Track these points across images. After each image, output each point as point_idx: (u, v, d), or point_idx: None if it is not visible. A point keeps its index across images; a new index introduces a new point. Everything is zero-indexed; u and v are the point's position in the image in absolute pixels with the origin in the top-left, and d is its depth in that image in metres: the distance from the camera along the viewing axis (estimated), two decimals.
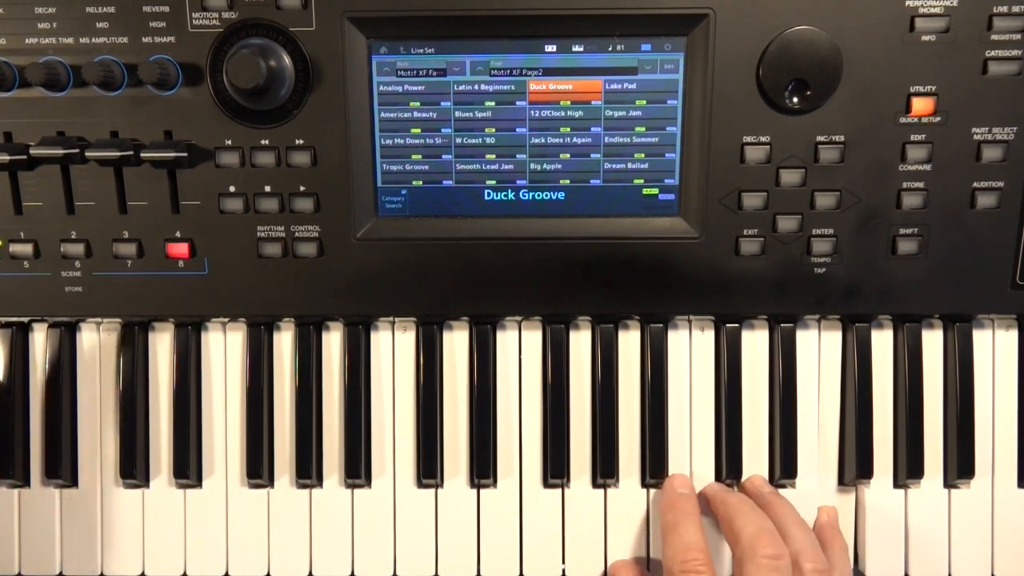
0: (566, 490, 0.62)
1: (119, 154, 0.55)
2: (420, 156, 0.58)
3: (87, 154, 0.55)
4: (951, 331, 0.61)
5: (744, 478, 0.61)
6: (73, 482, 0.63)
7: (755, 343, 0.61)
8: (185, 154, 0.56)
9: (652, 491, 0.62)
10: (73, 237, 0.59)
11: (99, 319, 0.62)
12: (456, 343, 0.62)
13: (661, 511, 0.58)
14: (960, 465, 0.60)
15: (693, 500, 0.58)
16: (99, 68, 0.54)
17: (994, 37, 0.54)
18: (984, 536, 0.61)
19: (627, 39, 0.56)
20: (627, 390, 0.62)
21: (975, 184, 0.57)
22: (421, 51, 0.57)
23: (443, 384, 0.62)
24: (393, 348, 0.62)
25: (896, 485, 0.62)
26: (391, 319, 0.62)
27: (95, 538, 0.63)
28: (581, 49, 0.56)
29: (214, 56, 0.56)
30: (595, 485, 0.62)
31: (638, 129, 0.58)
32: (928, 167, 0.56)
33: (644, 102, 0.57)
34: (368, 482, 0.62)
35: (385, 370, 0.62)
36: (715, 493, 0.58)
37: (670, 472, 0.61)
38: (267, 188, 0.58)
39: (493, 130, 0.58)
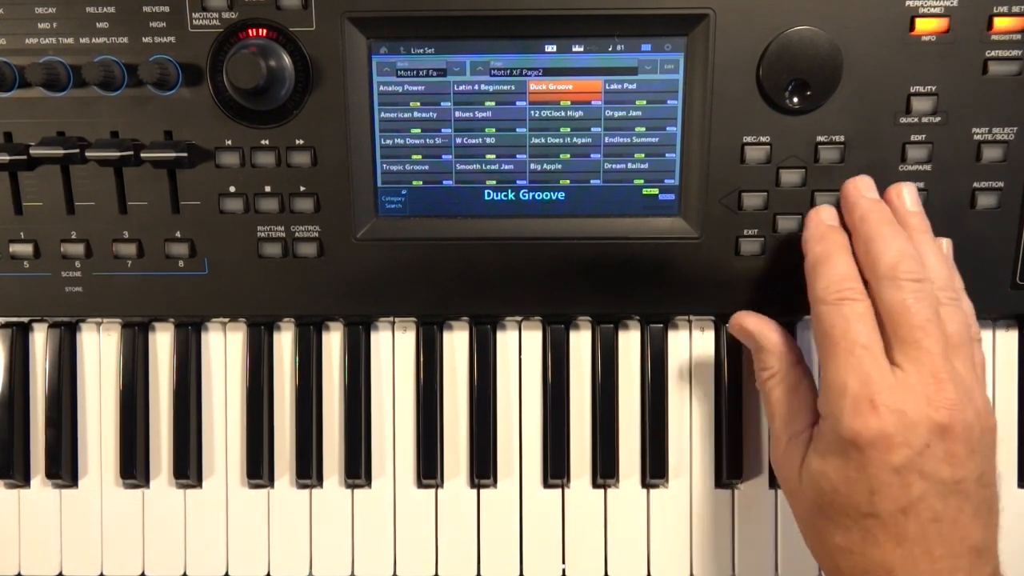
0: (566, 490, 0.62)
1: (119, 154, 0.55)
2: (420, 156, 0.58)
3: (87, 154, 0.55)
4: None
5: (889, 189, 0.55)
6: (73, 482, 0.63)
7: None
8: (185, 154, 0.56)
9: (652, 491, 0.62)
10: (73, 237, 0.59)
11: (99, 319, 0.62)
12: (456, 343, 0.62)
13: (808, 244, 0.53)
14: None
15: (844, 234, 0.53)
16: (99, 68, 0.54)
17: (994, 37, 0.54)
18: None
19: (627, 39, 0.56)
20: (627, 390, 0.62)
21: (975, 184, 0.57)
22: (421, 51, 0.57)
23: (443, 384, 0.62)
24: (393, 348, 0.62)
25: None
26: (391, 319, 0.62)
27: (95, 538, 0.63)
28: (581, 49, 0.56)
29: (214, 56, 0.56)
30: (595, 485, 0.62)
31: (638, 129, 0.58)
32: (928, 167, 0.56)
33: (644, 102, 0.57)
34: (368, 482, 0.62)
35: (385, 370, 0.62)
36: (855, 201, 0.53)
37: (671, 470, 0.61)
38: (267, 188, 0.58)
39: (493, 130, 0.58)
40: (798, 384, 0.53)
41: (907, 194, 0.54)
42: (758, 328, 0.55)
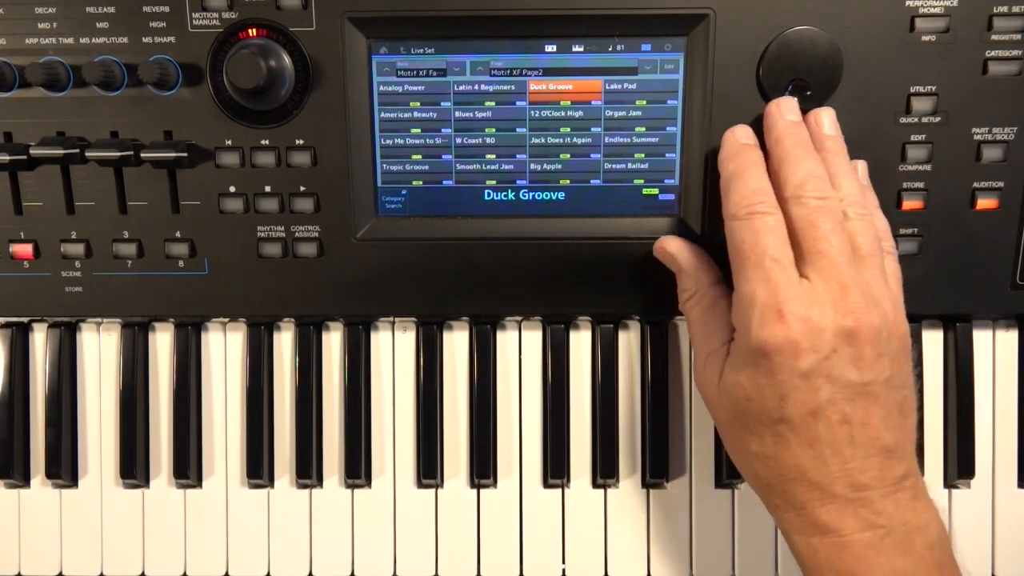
0: (566, 490, 0.62)
1: (119, 154, 0.55)
2: (420, 156, 0.58)
3: (87, 154, 0.55)
4: (951, 331, 0.61)
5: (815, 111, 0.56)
6: (73, 482, 0.63)
7: None
8: (185, 154, 0.56)
9: (652, 491, 0.62)
10: (73, 237, 0.59)
11: (99, 319, 0.62)
12: (456, 343, 0.62)
13: (722, 162, 0.54)
14: (960, 465, 0.60)
15: (758, 151, 0.54)
16: (99, 68, 0.54)
17: (994, 37, 0.54)
18: (984, 536, 0.61)
19: (627, 39, 0.56)
20: (627, 390, 0.62)
21: (975, 184, 0.57)
22: (421, 51, 0.57)
23: (443, 384, 0.62)
24: (393, 348, 0.62)
25: None
26: (391, 319, 0.62)
27: (95, 538, 0.63)
28: (581, 49, 0.56)
29: (214, 56, 0.56)
30: (595, 485, 0.62)
31: (638, 129, 0.58)
32: (928, 167, 0.56)
33: (644, 102, 0.57)
34: (368, 482, 0.62)
35: (385, 370, 0.62)
36: (774, 123, 0.53)
37: (670, 471, 0.61)
38: (267, 188, 0.58)
39: (493, 130, 0.58)
40: (715, 303, 0.54)
41: (825, 118, 0.54)
42: (678, 250, 0.56)
